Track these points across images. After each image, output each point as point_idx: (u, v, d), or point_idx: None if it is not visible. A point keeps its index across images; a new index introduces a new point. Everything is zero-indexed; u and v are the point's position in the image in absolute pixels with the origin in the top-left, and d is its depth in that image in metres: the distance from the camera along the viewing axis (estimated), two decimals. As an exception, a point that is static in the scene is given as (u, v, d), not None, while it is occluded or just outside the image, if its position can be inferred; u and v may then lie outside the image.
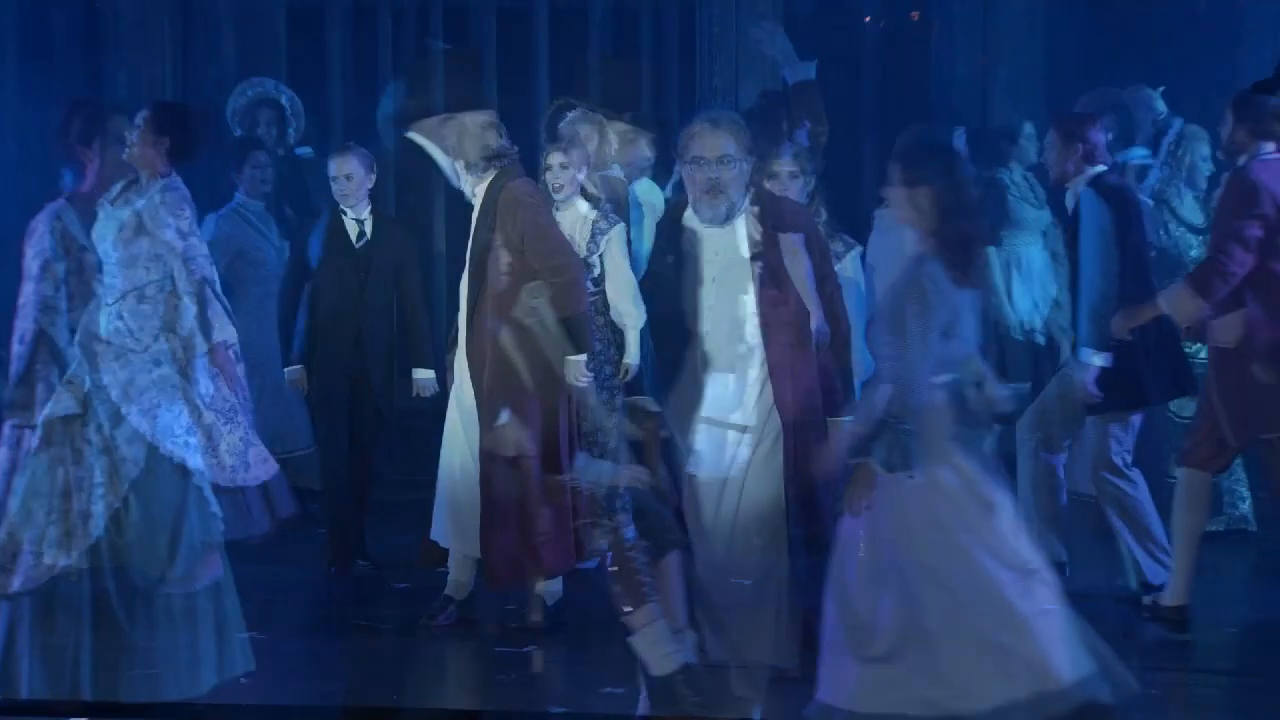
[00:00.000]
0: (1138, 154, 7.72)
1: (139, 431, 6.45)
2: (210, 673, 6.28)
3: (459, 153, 6.98)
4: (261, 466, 6.76)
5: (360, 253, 8.13)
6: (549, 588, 7.26)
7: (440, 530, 7.24)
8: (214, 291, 6.72)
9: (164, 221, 6.67)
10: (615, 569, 6.04)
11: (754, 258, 6.48)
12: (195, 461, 6.49)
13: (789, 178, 7.06)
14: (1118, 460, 7.50)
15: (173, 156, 6.84)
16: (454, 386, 7.20)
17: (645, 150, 7.45)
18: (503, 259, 6.92)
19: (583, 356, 6.87)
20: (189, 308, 6.64)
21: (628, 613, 5.99)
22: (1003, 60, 9.27)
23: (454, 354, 7.22)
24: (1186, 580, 7.02)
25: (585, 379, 6.89)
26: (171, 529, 6.44)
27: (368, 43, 10.35)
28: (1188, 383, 7.51)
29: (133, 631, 6.29)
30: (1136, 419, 7.54)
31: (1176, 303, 7.00)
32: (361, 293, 8.12)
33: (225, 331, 6.66)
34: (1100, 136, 7.58)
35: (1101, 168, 7.51)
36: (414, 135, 7.10)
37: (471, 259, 7.01)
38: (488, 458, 6.91)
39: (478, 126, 6.95)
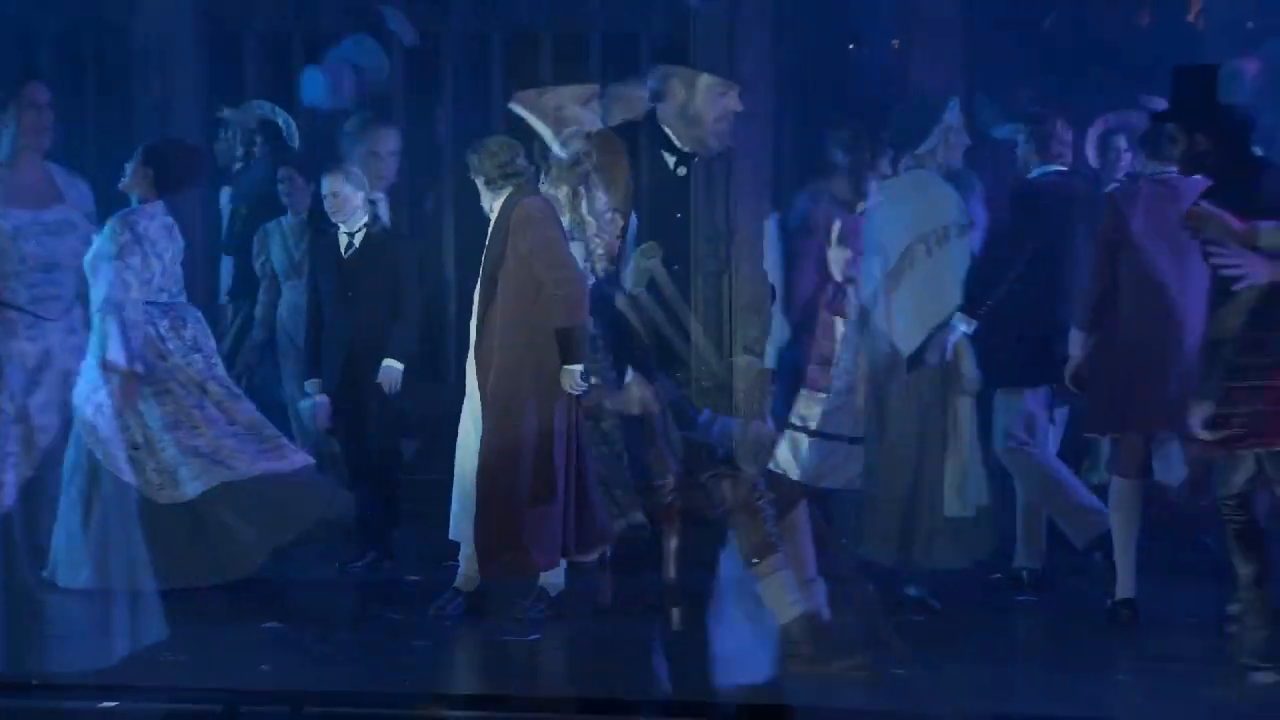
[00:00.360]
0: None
1: (51, 400, 6.52)
2: (124, 642, 6.30)
3: (554, 135, 7.18)
4: (192, 484, 6.89)
5: (347, 263, 8.26)
6: (551, 579, 7.40)
7: (455, 528, 7.44)
8: (120, 316, 6.84)
9: (96, 247, 6.96)
10: (741, 520, 6.16)
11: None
12: (117, 468, 6.58)
13: None
14: (1015, 433, 7.65)
15: (159, 186, 7.15)
16: (467, 390, 7.40)
17: (734, 103, 7.35)
18: (512, 271, 7.22)
19: (579, 366, 7.11)
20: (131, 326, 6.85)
21: (754, 563, 6.11)
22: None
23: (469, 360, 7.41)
24: (1130, 575, 7.17)
25: (580, 388, 7.16)
26: (82, 519, 6.55)
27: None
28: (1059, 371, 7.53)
29: (47, 600, 6.32)
30: (1029, 397, 7.65)
31: (1075, 346, 7.31)
32: (348, 302, 8.26)
33: (114, 354, 6.76)
34: (1063, 135, 7.74)
35: (1059, 167, 7.71)
36: (515, 107, 7.32)
37: (484, 270, 7.29)
38: (487, 455, 7.16)
39: (574, 99, 7.21)
